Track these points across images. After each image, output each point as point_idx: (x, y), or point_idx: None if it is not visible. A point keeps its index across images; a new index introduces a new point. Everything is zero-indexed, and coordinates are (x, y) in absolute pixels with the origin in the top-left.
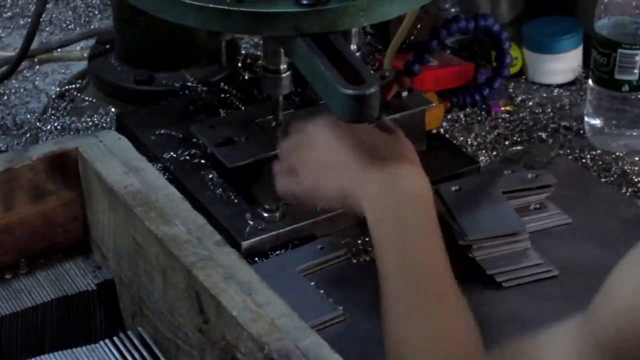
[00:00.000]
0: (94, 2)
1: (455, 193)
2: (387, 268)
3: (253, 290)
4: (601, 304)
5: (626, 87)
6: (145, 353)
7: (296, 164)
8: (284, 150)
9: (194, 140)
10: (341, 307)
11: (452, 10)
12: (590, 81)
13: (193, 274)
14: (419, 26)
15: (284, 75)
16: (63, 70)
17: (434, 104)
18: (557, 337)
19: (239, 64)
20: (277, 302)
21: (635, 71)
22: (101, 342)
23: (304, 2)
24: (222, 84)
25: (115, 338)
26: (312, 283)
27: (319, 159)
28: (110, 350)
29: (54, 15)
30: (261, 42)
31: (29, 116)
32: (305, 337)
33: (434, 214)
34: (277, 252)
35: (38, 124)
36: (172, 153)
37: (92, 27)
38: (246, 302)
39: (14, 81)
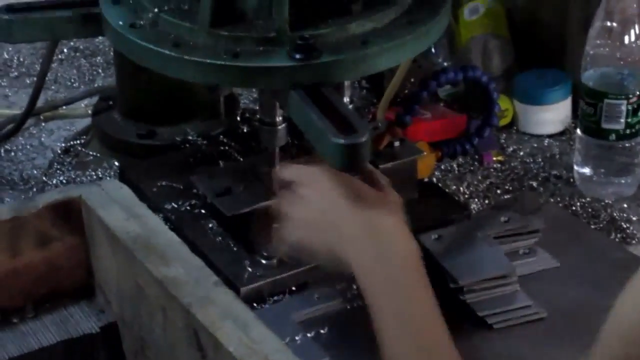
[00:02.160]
0: (97, 60)
1: (436, 241)
2: (380, 320)
3: (248, 327)
4: (608, 330)
5: (613, 136)
6: None
7: (288, 220)
8: (280, 200)
9: (195, 190)
10: (327, 356)
11: (445, 63)
12: (578, 131)
13: (191, 313)
14: (412, 80)
15: (279, 127)
16: (68, 127)
17: (425, 153)
18: None
19: (238, 118)
20: (272, 339)
21: (622, 120)
22: None
23: (297, 56)
24: (221, 137)
25: None
26: (309, 334)
27: (308, 217)
28: None
29: (58, 74)
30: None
31: (35, 171)
32: None
33: (420, 265)
34: (275, 298)
35: (44, 178)
36: (173, 204)
37: (95, 85)
38: (242, 338)
39: (20, 138)
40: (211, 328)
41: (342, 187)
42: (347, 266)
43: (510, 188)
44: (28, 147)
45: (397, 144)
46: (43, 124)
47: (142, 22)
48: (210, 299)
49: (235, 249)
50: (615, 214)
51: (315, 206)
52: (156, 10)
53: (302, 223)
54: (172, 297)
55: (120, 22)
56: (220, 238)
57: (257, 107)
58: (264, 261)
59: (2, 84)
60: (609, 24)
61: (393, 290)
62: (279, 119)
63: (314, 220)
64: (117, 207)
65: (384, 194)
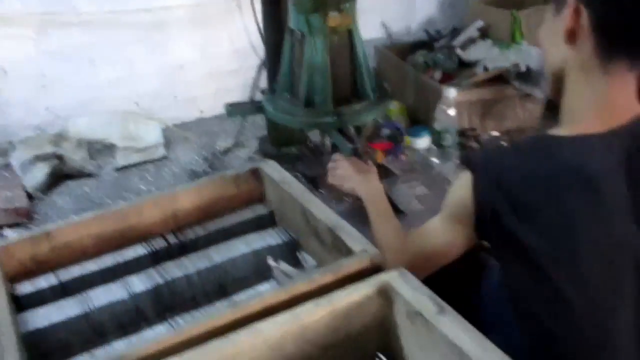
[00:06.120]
0: (258, 123)
1: (384, 182)
2: (370, 212)
3: (329, 213)
4: (446, 198)
5: (445, 147)
6: (287, 237)
7: (334, 175)
8: (330, 167)
9: (295, 166)
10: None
11: (380, 121)
12: (433, 146)
13: (307, 209)
14: (373, 127)
15: (327, 144)
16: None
17: (379, 152)
18: (432, 219)
19: (309, 143)
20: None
21: (448, 141)
22: (270, 229)
23: (335, 118)
24: (303, 149)
25: (269, 229)
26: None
27: (342, 174)
28: (270, 235)
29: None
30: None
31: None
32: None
33: (382, 190)
34: None
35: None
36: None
37: (260, 134)
38: (324, 215)
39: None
40: (314, 214)
41: (354, 165)
42: (357, 193)
43: (408, 167)
44: (239, 156)
45: (369, 149)
46: (240, 150)
47: (277, 106)
48: (314, 203)
49: (311, 186)
50: (446, 175)
51: (345, 170)
52: (283, 102)
53: (341, 176)
54: (298, 204)
55: (270, 108)
56: (304, 180)
57: (318, 138)
58: (322, 192)
59: (228, 140)
60: (444, 107)
61: (372, 199)
62: (327, 141)
63: (344, 175)
64: (275, 170)
65: (370, 167)
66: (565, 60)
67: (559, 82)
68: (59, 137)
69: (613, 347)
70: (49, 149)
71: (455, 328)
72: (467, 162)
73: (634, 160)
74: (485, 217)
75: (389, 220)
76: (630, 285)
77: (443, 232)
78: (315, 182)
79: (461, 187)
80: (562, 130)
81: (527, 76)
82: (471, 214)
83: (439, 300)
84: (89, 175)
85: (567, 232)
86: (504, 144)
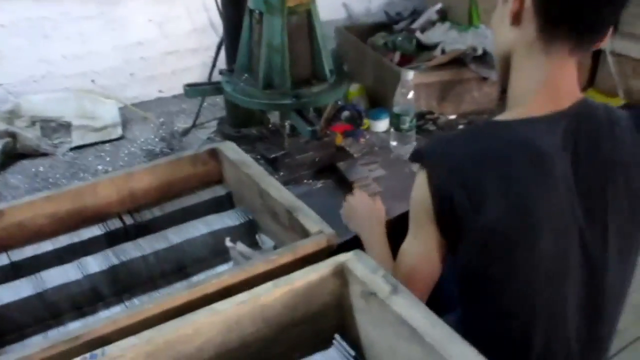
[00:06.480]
0: (216, 107)
1: (343, 164)
2: (367, 248)
3: (283, 189)
4: (410, 209)
5: (403, 130)
6: (245, 218)
7: (344, 210)
8: (347, 200)
9: (255, 148)
10: None
11: (340, 103)
12: (392, 129)
13: (265, 191)
14: (333, 110)
15: (287, 125)
16: (208, 132)
17: (338, 135)
18: (404, 241)
19: (269, 124)
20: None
21: (406, 125)
22: (228, 211)
23: (294, 99)
24: (263, 130)
25: (228, 210)
26: None
27: (350, 213)
28: (229, 216)
29: (204, 112)
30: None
31: (197, 145)
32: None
33: (383, 223)
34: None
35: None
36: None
37: (218, 115)
38: (279, 194)
39: (194, 133)
40: (272, 194)
41: (362, 205)
42: (358, 232)
43: (367, 149)
44: (198, 136)
45: (329, 132)
46: (199, 130)
47: (236, 88)
48: (274, 186)
49: (270, 168)
50: (404, 157)
51: (352, 209)
52: (242, 83)
53: (348, 214)
54: (256, 184)
55: (229, 89)
56: (264, 162)
57: (278, 119)
58: (281, 174)
59: (187, 120)
60: (402, 90)
61: (370, 246)
62: (286, 123)
63: (351, 214)
64: (232, 151)
65: (375, 201)
66: (512, 44)
67: (507, 65)
68: (12, 114)
69: (563, 316)
70: (1, 126)
71: (408, 307)
72: (417, 157)
73: (578, 143)
74: (444, 208)
75: (385, 265)
76: (575, 257)
77: (417, 246)
78: (275, 163)
79: (418, 188)
80: (507, 114)
81: (484, 59)
82: (432, 211)
83: (393, 280)
84: (43, 154)
85: (522, 208)
86: (461, 126)
